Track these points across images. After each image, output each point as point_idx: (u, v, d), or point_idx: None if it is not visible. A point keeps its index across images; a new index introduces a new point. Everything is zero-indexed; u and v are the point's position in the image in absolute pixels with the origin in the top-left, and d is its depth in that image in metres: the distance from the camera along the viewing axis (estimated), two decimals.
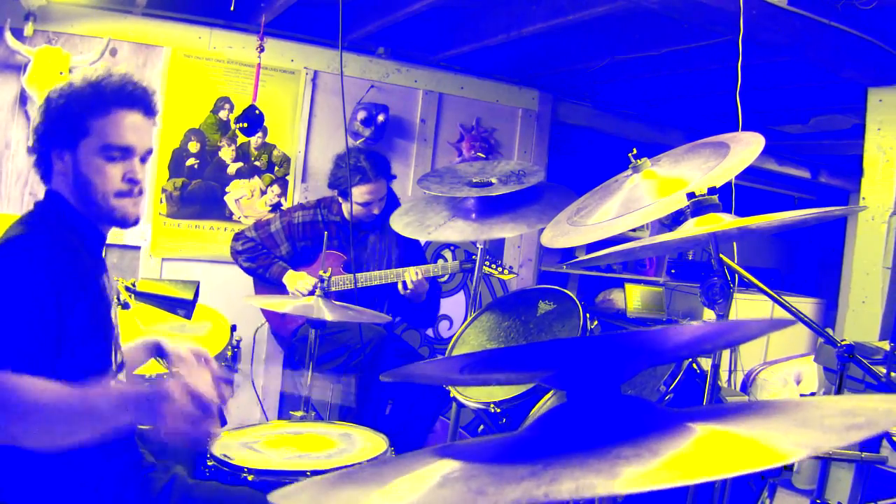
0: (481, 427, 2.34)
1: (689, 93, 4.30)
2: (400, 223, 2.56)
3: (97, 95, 1.48)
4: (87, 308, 1.43)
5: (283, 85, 3.71)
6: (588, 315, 2.24)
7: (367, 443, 1.99)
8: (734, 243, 1.91)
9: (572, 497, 0.52)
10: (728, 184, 1.87)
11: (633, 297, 4.66)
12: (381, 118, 3.81)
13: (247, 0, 3.33)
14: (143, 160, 1.53)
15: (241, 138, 3.57)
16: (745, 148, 1.63)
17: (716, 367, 1.66)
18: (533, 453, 0.66)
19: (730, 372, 4.27)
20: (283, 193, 3.74)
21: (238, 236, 3.31)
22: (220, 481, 1.67)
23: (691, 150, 1.80)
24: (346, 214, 3.22)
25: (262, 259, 3.25)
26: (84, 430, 1.16)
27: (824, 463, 1.72)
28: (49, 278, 1.34)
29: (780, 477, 1.79)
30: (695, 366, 1.95)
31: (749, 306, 4.41)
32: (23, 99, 3.14)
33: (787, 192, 5.69)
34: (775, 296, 1.70)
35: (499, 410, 2.11)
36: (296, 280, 3.16)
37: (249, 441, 1.95)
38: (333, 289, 2.97)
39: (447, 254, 4.20)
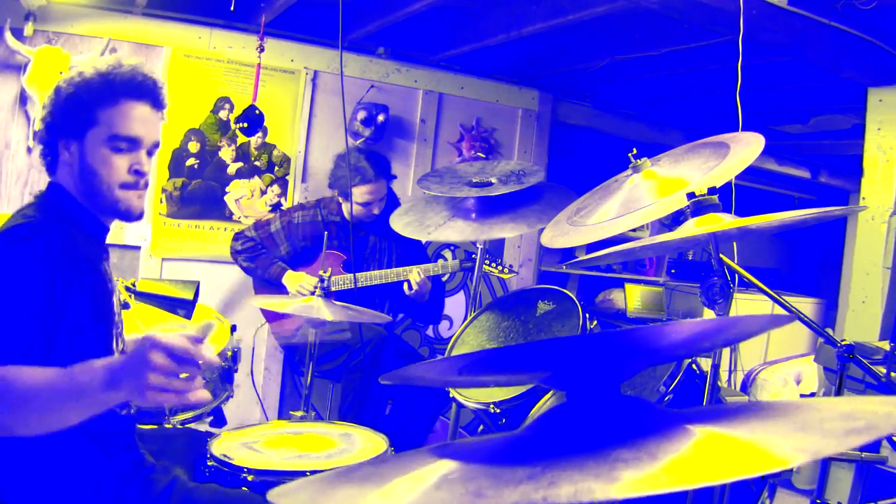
0: (481, 427, 2.34)
1: (689, 93, 4.30)
2: (400, 223, 2.55)
3: (106, 85, 1.46)
4: (87, 294, 1.42)
5: (283, 85, 3.71)
6: (588, 315, 2.24)
7: (367, 443, 1.99)
8: (734, 243, 1.91)
9: (570, 501, 0.52)
10: (728, 184, 1.86)
11: (633, 297, 4.66)
12: (381, 118, 3.80)
13: (247, 0, 3.33)
14: (150, 153, 1.53)
15: (241, 138, 3.56)
16: (745, 148, 1.63)
17: (716, 367, 1.67)
18: (532, 455, 0.66)
19: (730, 372, 4.27)
20: (283, 193, 3.74)
21: (238, 236, 3.31)
22: (220, 483, 1.68)
23: (691, 150, 1.80)
24: (346, 214, 3.22)
25: (261, 259, 3.25)
26: (76, 411, 1.13)
27: (824, 463, 1.72)
28: (49, 267, 1.34)
29: (780, 477, 1.79)
30: (694, 366, 1.95)
31: (749, 306, 4.40)
32: (23, 99, 3.14)
33: (787, 192, 5.69)
34: (775, 296, 1.70)
35: (498, 411, 2.11)
36: (295, 280, 3.16)
37: (249, 441, 1.96)
38: (333, 289, 2.97)
39: (447, 253, 4.20)
